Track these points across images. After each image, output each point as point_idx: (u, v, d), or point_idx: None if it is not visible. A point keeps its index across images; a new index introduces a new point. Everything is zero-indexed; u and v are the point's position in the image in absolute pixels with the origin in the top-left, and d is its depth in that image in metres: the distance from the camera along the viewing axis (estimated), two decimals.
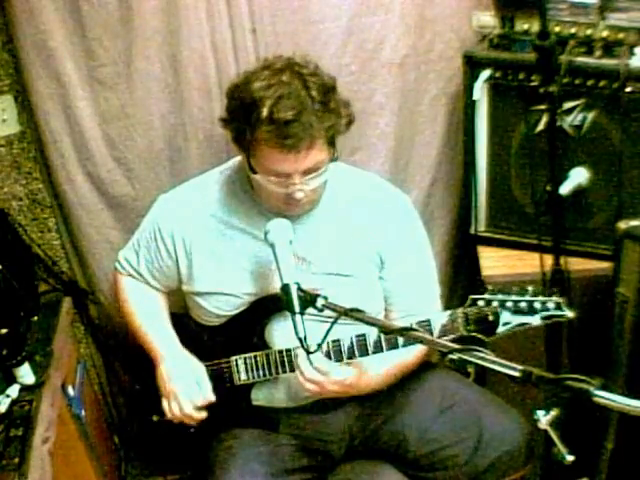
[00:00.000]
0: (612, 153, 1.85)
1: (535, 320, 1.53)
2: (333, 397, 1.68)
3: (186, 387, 1.69)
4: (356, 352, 1.64)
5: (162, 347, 1.76)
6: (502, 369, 1.03)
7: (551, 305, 1.53)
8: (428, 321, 1.59)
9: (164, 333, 1.80)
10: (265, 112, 1.47)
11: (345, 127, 1.60)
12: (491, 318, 1.55)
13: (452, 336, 1.58)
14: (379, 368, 1.71)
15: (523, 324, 1.54)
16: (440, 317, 1.59)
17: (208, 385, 1.71)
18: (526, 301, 1.53)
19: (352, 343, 1.63)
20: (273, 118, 1.47)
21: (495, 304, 1.54)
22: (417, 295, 1.79)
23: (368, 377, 1.69)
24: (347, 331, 1.61)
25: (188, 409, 1.68)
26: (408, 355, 1.73)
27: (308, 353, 1.47)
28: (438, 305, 1.83)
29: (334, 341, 1.64)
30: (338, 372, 1.60)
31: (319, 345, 1.47)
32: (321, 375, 1.57)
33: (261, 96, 1.49)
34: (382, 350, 1.62)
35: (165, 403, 1.71)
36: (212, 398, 1.70)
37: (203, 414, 1.70)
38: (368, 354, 1.63)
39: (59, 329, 1.94)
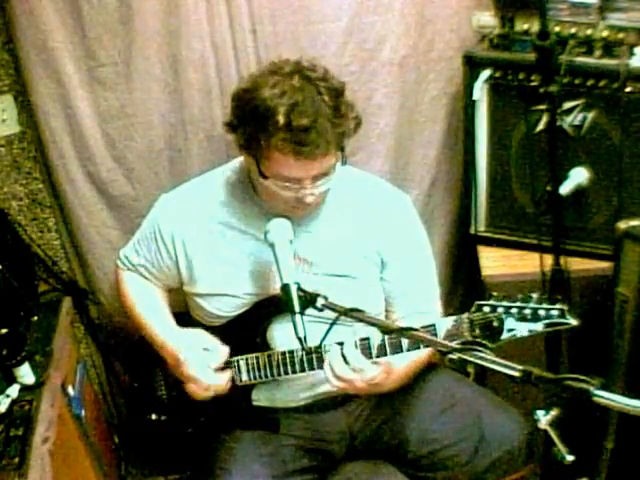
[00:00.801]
0: (612, 153, 1.85)
1: (539, 327, 1.53)
2: (352, 394, 1.64)
3: (197, 362, 1.67)
4: None
5: (163, 336, 1.75)
6: (502, 369, 1.03)
7: (555, 312, 1.53)
8: (433, 326, 1.58)
9: (164, 323, 1.80)
10: (282, 120, 1.46)
11: (354, 130, 1.60)
12: (496, 324, 1.54)
13: (456, 342, 1.58)
14: (401, 365, 1.67)
15: (528, 331, 1.54)
16: (445, 322, 1.59)
17: (215, 341, 1.70)
18: (530, 308, 1.53)
19: (356, 347, 1.63)
20: (290, 126, 1.46)
21: (500, 310, 1.54)
22: (418, 295, 1.79)
23: (395, 375, 1.65)
24: (348, 333, 1.61)
25: (209, 381, 1.66)
26: (421, 352, 1.68)
27: (308, 353, 1.47)
28: (438, 305, 1.83)
29: (337, 343, 1.63)
30: (371, 370, 1.57)
31: (318, 346, 1.47)
32: (354, 373, 1.54)
33: (275, 103, 1.47)
34: (386, 354, 1.61)
35: (188, 388, 1.70)
36: (225, 351, 1.69)
37: (226, 376, 1.69)
38: (372, 357, 1.62)
39: (59, 329, 1.94)
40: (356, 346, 1.60)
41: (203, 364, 1.67)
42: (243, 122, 1.57)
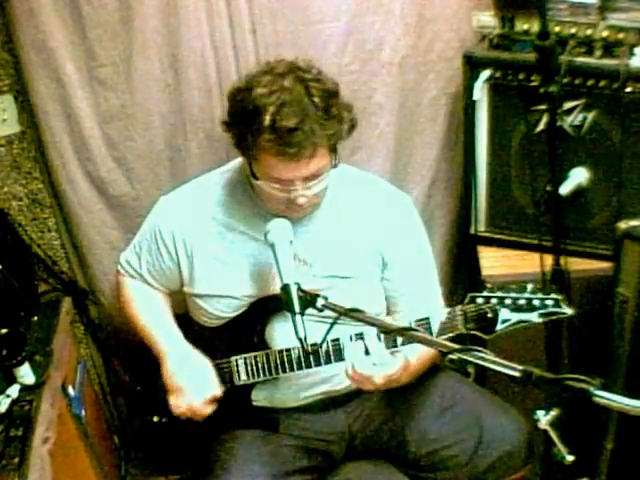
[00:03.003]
0: (612, 153, 1.85)
1: (534, 317, 1.53)
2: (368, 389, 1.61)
3: (192, 382, 1.68)
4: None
5: (166, 344, 1.75)
6: (502, 369, 1.03)
7: (550, 302, 1.53)
8: (427, 319, 1.59)
9: (167, 330, 1.80)
10: (267, 120, 1.46)
11: (347, 132, 1.60)
12: (490, 316, 1.55)
13: (451, 334, 1.58)
14: (415, 359, 1.66)
15: (522, 321, 1.54)
16: (440, 316, 1.59)
17: (214, 378, 1.71)
18: (525, 298, 1.53)
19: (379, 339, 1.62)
20: (275, 126, 1.46)
21: (494, 301, 1.54)
22: (420, 295, 1.79)
23: (410, 370, 1.63)
24: (347, 332, 1.61)
25: (195, 403, 1.67)
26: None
27: (307, 354, 1.46)
28: (441, 304, 1.82)
29: (333, 340, 1.63)
30: (392, 365, 1.54)
31: (319, 345, 1.47)
32: (376, 369, 1.52)
33: (263, 103, 1.48)
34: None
35: (172, 399, 1.70)
36: (218, 391, 1.69)
37: (210, 409, 1.69)
38: (368, 354, 1.62)
39: (59, 329, 1.94)
40: (379, 338, 1.58)
41: (198, 390, 1.67)
42: (235, 121, 1.58)
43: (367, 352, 1.54)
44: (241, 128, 1.55)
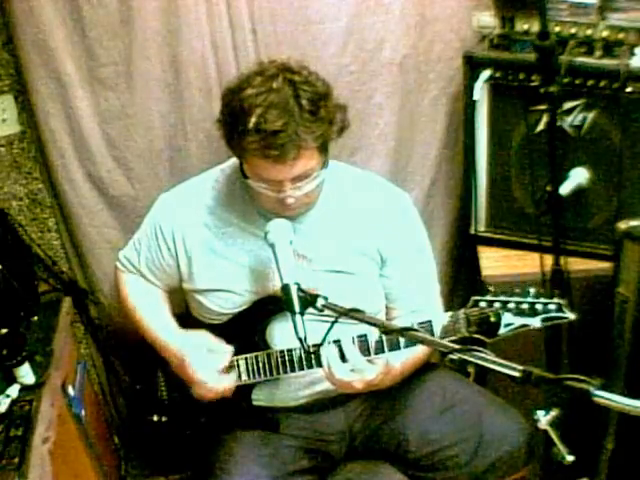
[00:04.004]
0: (612, 153, 1.85)
1: (536, 322, 1.53)
2: (349, 393, 1.65)
3: (202, 365, 1.67)
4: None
5: (167, 342, 1.75)
6: (502, 369, 1.03)
7: (553, 307, 1.53)
8: (429, 322, 1.59)
9: (165, 325, 1.80)
10: (252, 122, 1.47)
11: (337, 133, 1.60)
12: (493, 319, 1.54)
13: (453, 337, 1.58)
14: (398, 363, 1.68)
15: (525, 326, 1.54)
16: (441, 318, 1.59)
17: (220, 343, 1.70)
18: (528, 303, 1.53)
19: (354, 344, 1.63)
20: (259, 129, 1.47)
21: (497, 305, 1.54)
22: (418, 293, 1.79)
23: (392, 374, 1.65)
24: (348, 331, 1.61)
25: (212, 385, 1.66)
26: (417, 349, 1.69)
27: (308, 353, 1.46)
28: (439, 303, 1.83)
29: (335, 341, 1.63)
30: (371, 371, 1.57)
31: (319, 345, 1.47)
32: (353, 374, 1.55)
33: (250, 104, 1.49)
34: (384, 351, 1.61)
35: (194, 392, 1.71)
36: (230, 351, 1.69)
37: (231, 379, 1.69)
38: (370, 354, 1.63)
39: (59, 329, 1.94)
40: (354, 344, 1.60)
41: (209, 367, 1.67)
42: (225, 121, 1.59)
43: (344, 359, 1.55)
44: (230, 128, 1.56)
